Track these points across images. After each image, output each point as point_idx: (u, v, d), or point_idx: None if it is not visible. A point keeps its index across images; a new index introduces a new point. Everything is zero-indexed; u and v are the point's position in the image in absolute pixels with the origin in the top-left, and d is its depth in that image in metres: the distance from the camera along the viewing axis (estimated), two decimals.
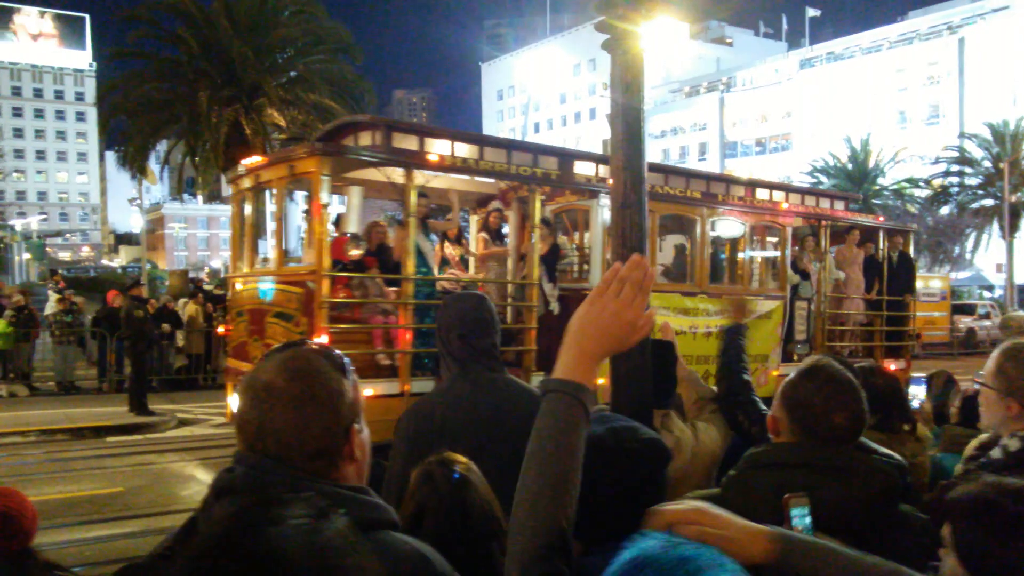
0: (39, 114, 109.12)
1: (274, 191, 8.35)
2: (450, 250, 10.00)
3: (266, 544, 0.90)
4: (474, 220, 11.16)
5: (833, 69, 72.24)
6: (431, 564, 1.43)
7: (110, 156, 74.82)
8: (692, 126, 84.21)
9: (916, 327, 12.97)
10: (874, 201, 46.41)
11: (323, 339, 7.34)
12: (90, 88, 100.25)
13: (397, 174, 8.28)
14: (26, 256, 49.92)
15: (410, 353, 7.91)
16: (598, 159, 10.05)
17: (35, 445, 11.50)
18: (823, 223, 11.59)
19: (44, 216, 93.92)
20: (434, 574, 1.43)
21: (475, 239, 10.29)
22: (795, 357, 11.19)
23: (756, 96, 78.82)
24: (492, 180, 9.33)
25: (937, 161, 49.03)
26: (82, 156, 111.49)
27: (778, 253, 11.16)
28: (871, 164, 50.61)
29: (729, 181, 11.42)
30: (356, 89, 25.95)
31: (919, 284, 31.25)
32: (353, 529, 0.99)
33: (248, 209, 8.69)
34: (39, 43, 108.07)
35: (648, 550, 0.97)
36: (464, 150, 8.91)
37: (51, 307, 17.40)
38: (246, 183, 8.53)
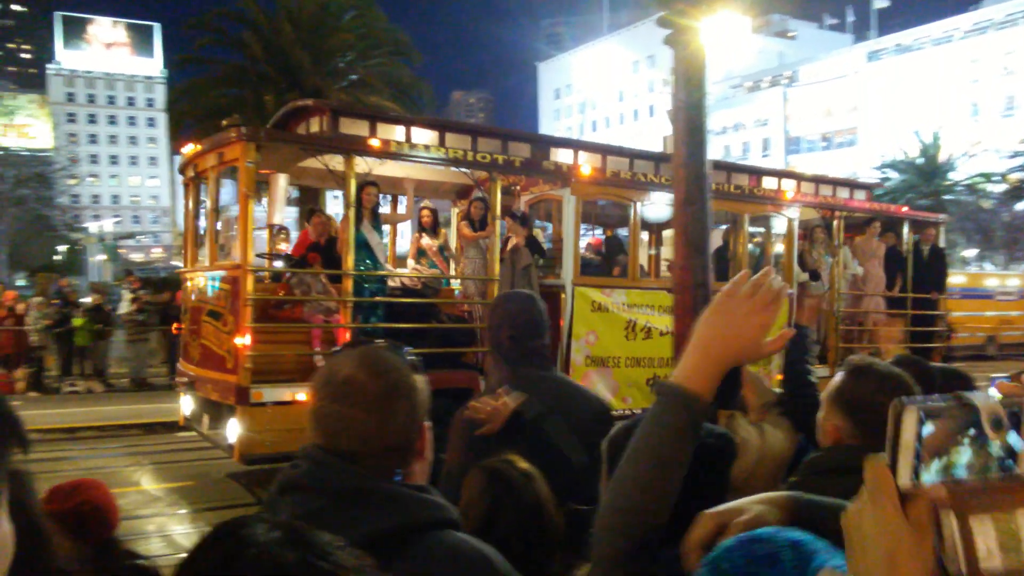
0: (112, 120, 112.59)
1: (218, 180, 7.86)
2: (428, 241, 9.42)
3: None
4: (454, 212, 10.55)
5: (902, 61, 69.34)
6: (492, 564, 1.42)
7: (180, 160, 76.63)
8: (754, 122, 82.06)
9: (950, 326, 11.80)
10: (945, 197, 44.13)
11: (246, 339, 6.83)
12: (160, 94, 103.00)
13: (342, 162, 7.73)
14: (101, 257, 51.44)
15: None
16: (577, 145, 9.33)
17: (111, 439, 11.61)
18: (836, 213, 10.59)
19: (118, 219, 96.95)
20: (496, 574, 1.43)
21: (455, 230, 9.69)
22: None
23: (821, 90, 76.26)
24: (464, 170, 8.69)
25: (1014, 155, 46.36)
26: (153, 160, 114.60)
27: (782, 246, 10.24)
28: (943, 158, 48.12)
29: (730, 169, 10.51)
30: (414, 91, 26.16)
31: (995, 282, 29.63)
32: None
33: (192, 200, 8.26)
34: (112, 52, 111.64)
35: (760, 531, 0.97)
36: (424, 136, 8.31)
37: (125, 307, 17.85)
38: (189, 173, 8.10)
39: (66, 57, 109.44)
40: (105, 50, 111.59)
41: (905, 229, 11.16)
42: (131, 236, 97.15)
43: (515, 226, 9.03)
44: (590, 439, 1.95)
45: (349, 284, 7.34)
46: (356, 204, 7.62)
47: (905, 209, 12.45)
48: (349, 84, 25.23)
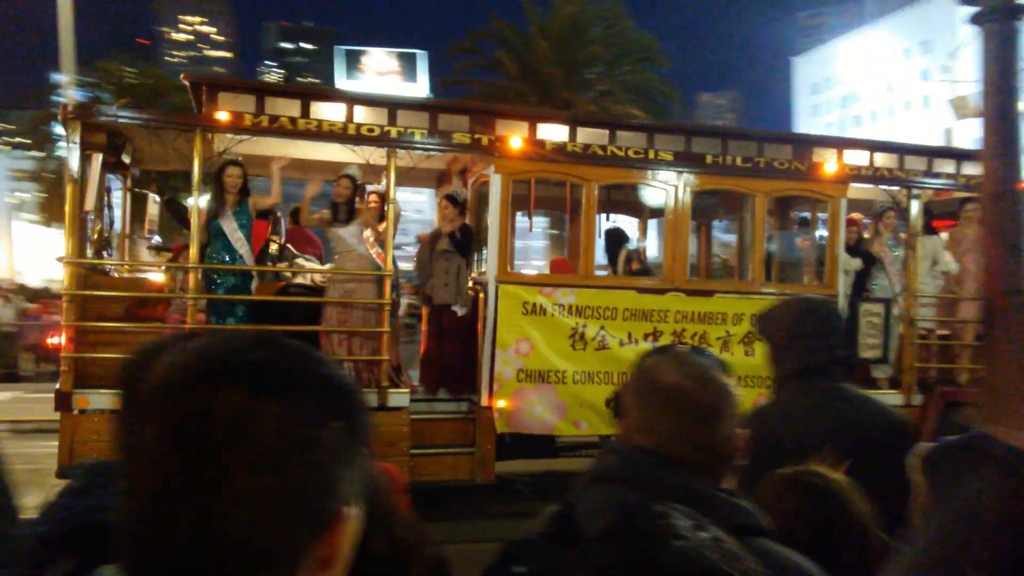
0: None
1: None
2: (367, 232, 8.38)
3: (668, 555, 0.91)
4: (437, 198, 9.33)
5: None
6: None
7: None
8: None
9: None
10: None
11: (61, 339, 6.23)
12: None
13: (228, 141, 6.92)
14: None
15: None
16: (537, 117, 7.72)
17: None
18: (912, 192, 7.90)
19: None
20: None
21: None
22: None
23: None
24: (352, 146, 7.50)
25: None
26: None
27: (820, 237, 7.84)
28: None
29: (763, 139, 8.16)
30: (661, 96, 26.04)
31: None
32: (732, 537, 0.99)
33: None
34: (383, 79, 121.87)
35: None
36: (329, 111, 7.22)
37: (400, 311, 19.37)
38: None
39: (346, 86, 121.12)
40: (378, 78, 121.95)
41: None
42: (398, 248, 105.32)
43: (451, 211, 7.72)
44: (887, 455, 1.88)
45: (192, 279, 6.51)
46: (216, 187, 6.81)
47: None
48: (598, 95, 25.40)
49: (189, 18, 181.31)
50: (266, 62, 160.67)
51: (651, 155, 7.36)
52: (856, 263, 7.82)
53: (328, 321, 6.93)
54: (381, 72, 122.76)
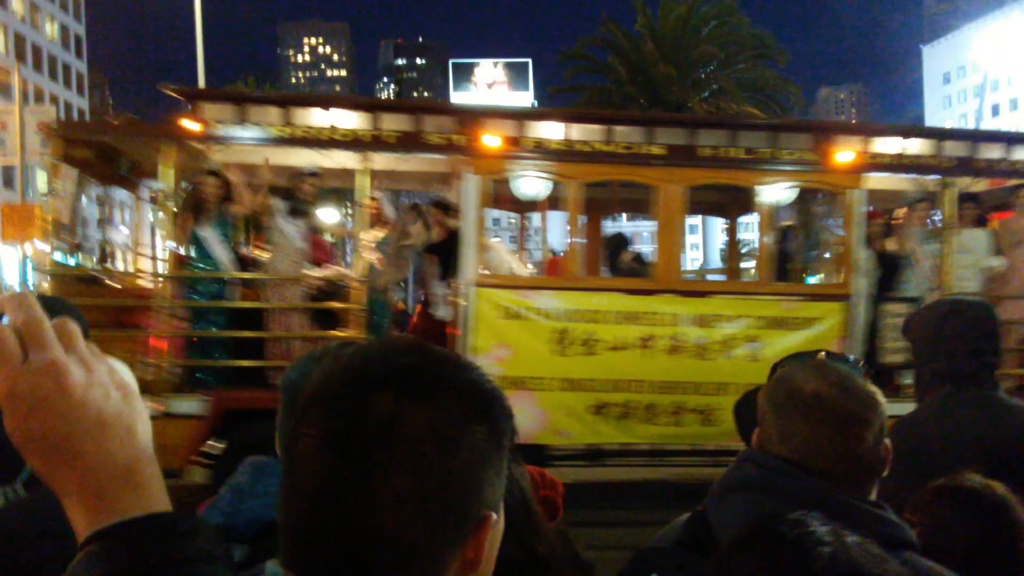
0: None
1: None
2: (364, 236, 8.32)
3: (818, 562, 0.91)
4: None
5: None
6: None
7: None
8: None
9: None
10: None
11: None
12: None
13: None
14: None
15: (175, 366, 6.61)
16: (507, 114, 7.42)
17: None
18: (946, 180, 7.11)
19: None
20: None
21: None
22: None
23: None
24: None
25: None
26: None
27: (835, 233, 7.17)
28: None
29: (778, 128, 7.50)
30: (779, 92, 25.50)
31: None
32: (876, 546, 0.98)
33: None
34: (492, 90, 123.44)
35: None
36: (314, 117, 7.17)
37: None
38: None
39: (456, 98, 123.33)
40: (488, 89, 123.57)
41: None
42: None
43: (440, 215, 7.57)
44: None
45: (167, 286, 6.61)
46: (196, 197, 6.91)
47: None
48: (711, 94, 25.18)
49: (310, 39, 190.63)
50: (382, 79, 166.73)
51: (641, 150, 6.96)
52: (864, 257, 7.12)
53: (269, 326, 6.89)
54: (491, 83, 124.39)
